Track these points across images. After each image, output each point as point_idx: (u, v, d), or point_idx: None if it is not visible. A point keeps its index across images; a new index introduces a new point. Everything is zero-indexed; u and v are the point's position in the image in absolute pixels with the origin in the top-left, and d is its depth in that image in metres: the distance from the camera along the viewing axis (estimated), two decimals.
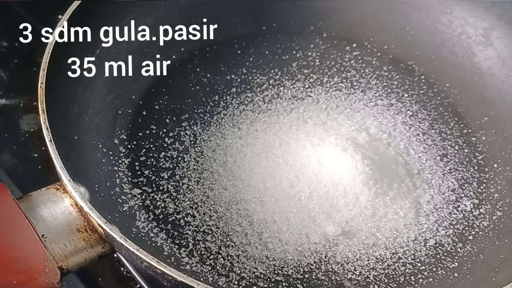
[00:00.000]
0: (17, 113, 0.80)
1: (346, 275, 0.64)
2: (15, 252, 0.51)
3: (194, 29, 0.83)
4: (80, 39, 0.70)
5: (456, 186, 0.73)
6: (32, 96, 0.79)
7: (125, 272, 0.68)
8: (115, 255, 0.68)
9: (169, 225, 0.66)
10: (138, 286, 0.67)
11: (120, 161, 0.70)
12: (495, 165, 0.74)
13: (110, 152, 0.70)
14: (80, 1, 0.69)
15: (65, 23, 0.67)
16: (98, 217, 0.52)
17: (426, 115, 0.80)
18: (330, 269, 0.64)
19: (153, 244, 0.64)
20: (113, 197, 0.66)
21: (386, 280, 0.64)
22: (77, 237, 0.54)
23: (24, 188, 0.72)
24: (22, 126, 0.79)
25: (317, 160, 0.73)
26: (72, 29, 0.68)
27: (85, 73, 0.71)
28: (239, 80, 0.81)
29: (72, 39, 0.68)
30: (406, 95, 0.82)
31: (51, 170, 0.71)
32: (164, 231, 0.66)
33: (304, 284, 0.63)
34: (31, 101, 0.80)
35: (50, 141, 0.57)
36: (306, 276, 0.63)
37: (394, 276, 0.64)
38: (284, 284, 0.63)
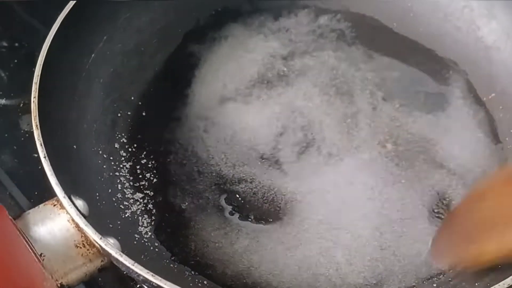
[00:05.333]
0: (17, 113, 0.80)
1: None
2: (13, 273, 0.51)
3: (192, 21, 0.83)
4: (75, 44, 0.70)
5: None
6: None
7: (125, 272, 0.68)
8: None
9: (172, 228, 0.67)
10: (138, 286, 0.68)
11: (121, 166, 0.70)
12: (504, 143, 0.73)
13: (111, 158, 0.70)
14: (74, 2, 0.68)
15: (57, 30, 0.67)
16: (93, 232, 0.52)
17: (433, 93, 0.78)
18: None
19: (156, 250, 0.64)
20: (115, 204, 0.66)
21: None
22: (75, 253, 0.54)
23: (24, 188, 0.73)
24: (22, 126, 0.79)
25: None
26: (65, 35, 0.67)
27: (82, 78, 0.71)
28: None
29: (66, 46, 0.68)
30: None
31: None
32: (167, 234, 0.66)
33: None
34: (31, 101, 0.80)
35: (45, 157, 0.57)
36: None
37: None
38: None
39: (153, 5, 0.80)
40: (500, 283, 0.52)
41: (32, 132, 0.76)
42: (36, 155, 0.75)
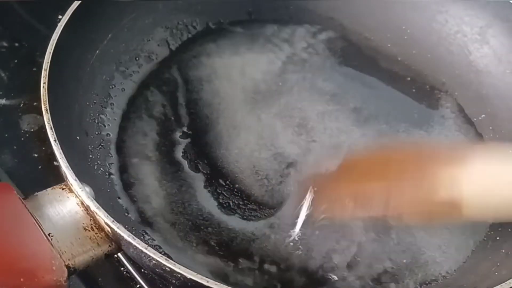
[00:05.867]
0: (17, 113, 0.80)
1: None
2: (22, 250, 0.51)
3: (194, 27, 0.84)
4: (80, 39, 0.70)
5: None
6: (32, 96, 0.79)
7: (125, 272, 0.68)
8: (115, 254, 0.68)
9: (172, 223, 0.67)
10: (138, 286, 0.67)
11: (123, 159, 0.70)
12: None
13: (113, 151, 0.71)
14: (80, 1, 0.69)
15: (66, 24, 0.67)
16: (105, 215, 0.52)
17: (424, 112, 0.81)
18: None
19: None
20: (117, 198, 0.66)
21: None
22: (83, 236, 0.54)
23: (24, 188, 0.71)
24: (22, 126, 0.79)
25: None
26: (72, 29, 0.67)
27: (86, 73, 0.71)
28: None
29: (72, 40, 0.68)
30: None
31: (51, 170, 0.72)
32: (166, 228, 0.66)
33: None
34: (31, 101, 0.80)
35: (55, 140, 0.57)
36: None
37: None
38: None
39: (157, 7, 0.81)
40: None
41: (32, 132, 0.78)
42: (36, 155, 0.76)
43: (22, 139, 0.78)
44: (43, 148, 0.76)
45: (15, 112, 0.80)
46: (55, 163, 0.57)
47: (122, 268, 0.68)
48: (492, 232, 0.68)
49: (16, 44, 0.87)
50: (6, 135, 0.78)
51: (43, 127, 0.58)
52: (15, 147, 0.77)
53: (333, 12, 0.89)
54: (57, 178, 0.58)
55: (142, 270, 0.67)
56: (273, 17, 0.89)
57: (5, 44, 0.87)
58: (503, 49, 0.81)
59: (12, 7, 0.90)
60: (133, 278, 0.68)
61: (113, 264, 0.68)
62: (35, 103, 0.79)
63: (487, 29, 0.82)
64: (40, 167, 0.75)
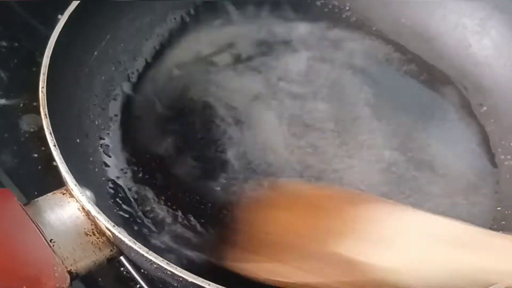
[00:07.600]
0: (17, 113, 0.80)
1: None
2: (24, 257, 0.51)
3: (194, 26, 0.83)
4: (79, 40, 0.70)
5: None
6: (32, 96, 0.79)
7: (125, 272, 0.68)
8: None
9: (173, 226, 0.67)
10: (138, 286, 0.68)
11: (124, 161, 0.70)
12: (495, 153, 0.76)
13: (114, 153, 0.71)
14: (78, 1, 0.69)
15: (64, 24, 0.67)
16: (106, 220, 0.52)
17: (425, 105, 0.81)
18: None
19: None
20: (114, 199, 0.66)
21: None
22: (85, 241, 0.54)
23: (24, 188, 0.72)
24: (22, 126, 0.79)
25: None
26: (71, 30, 0.67)
27: (84, 74, 0.71)
28: None
29: (71, 40, 0.68)
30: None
31: (51, 170, 0.72)
32: (167, 231, 0.66)
33: None
34: (31, 101, 0.80)
35: (54, 145, 0.56)
36: None
37: None
38: None
39: (155, 7, 0.81)
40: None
41: (32, 132, 0.78)
42: (36, 155, 0.76)
43: (22, 139, 0.78)
44: (43, 149, 0.76)
45: (15, 112, 0.80)
46: (54, 163, 0.57)
47: (122, 269, 0.69)
48: None
49: (16, 44, 0.87)
50: (6, 135, 0.78)
51: (43, 127, 0.58)
52: (15, 147, 0.77)
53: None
54: (57, 179, 0.58)
55: (142, 271, 0.67)
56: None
57: (5, 44, 0.86)
58: (503, 40, 0.81)
59: (12, 7, 0.89)
60: (133, 279, 0.68)
61: (113, 265, 0.68)
62: (35, 103, 0.79)
63: (487, 21, 0.82)
64: (40, 167, 0.75)
